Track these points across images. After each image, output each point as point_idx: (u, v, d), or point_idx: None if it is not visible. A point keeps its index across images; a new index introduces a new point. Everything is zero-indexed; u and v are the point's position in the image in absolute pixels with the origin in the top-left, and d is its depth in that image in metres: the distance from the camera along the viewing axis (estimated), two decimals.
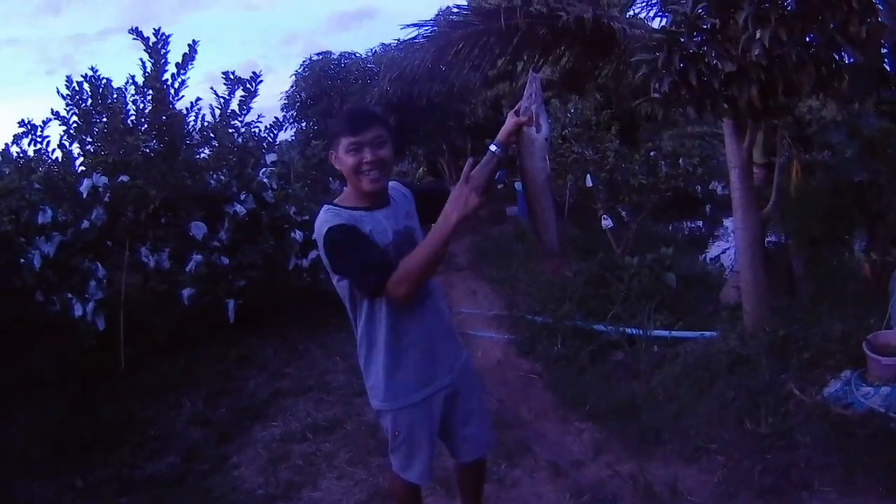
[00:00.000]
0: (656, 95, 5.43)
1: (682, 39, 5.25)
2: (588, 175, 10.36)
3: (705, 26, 5.32)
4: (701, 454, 5.12)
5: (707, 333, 7.01)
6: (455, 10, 9.99)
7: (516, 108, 3.25)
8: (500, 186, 15.15)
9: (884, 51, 6.67)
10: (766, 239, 9.72)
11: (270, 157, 9.82)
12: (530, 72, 3.48)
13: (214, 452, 6.03)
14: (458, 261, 12.43)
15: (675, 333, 7.25)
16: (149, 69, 8.27)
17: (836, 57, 5.26)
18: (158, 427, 6.47)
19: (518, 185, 13.26)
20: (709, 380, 5.96)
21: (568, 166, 10.98)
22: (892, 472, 4.40)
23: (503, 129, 3.24)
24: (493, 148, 3.20)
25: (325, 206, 3.29)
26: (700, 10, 5.26)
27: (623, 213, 10.53)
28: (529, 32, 8.19)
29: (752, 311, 6.78)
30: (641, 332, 7.25)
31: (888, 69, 6.48)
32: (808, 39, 5.19)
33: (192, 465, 5.81)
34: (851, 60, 6.19)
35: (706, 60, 5.21)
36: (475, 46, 8.71)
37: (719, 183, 13.83)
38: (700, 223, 17.88)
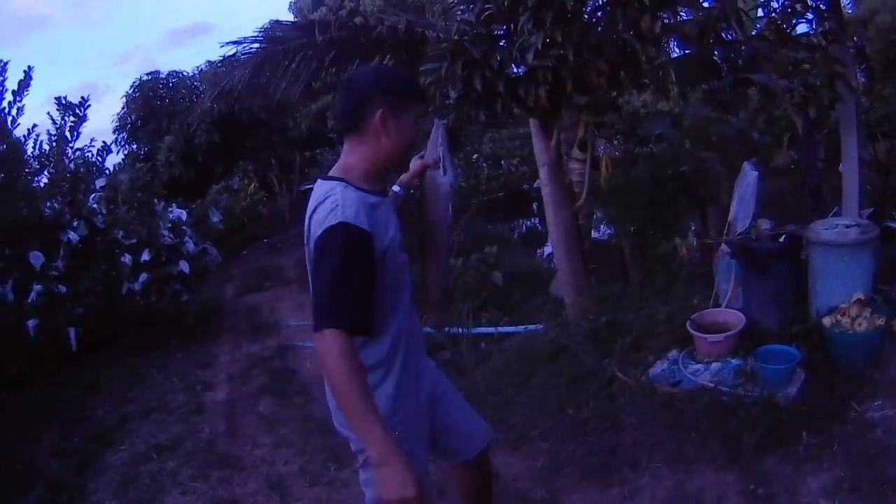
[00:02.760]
0: (449, 102, 5.49)
1: (469, 46, 5.24)
2: None
3: (497, 32, 5.43)
4: (523, 442, 5.14)
5: (531, 327, 7.13)
6: (273, 25, 9.92)
7: (421, 153, 3.09)
8: None
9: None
10: (604, 230, 10.09)
11: (100, 182, 9.60)
12: (435, 119, 3.25)
13: (75, 481, 5.95)
14: (287, 275, 12.32)
15: (500, 329, 7.34)
16: None
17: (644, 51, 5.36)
18: (23, 462, 6.37)
19: None
20: (530, 371, 6.03)
21: None
22: (726, 442, 4.47)
23: (408, 171, 3.06)
24: (395, 188, 3.06)
25: (342, 183, 2.64)
26: (485, 17, 5.33)
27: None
28: (347, 44, 8.22)
29: (573, 302, 6.87)
30: (465, 330, 7.24)
31: (717, 60, 6.67)
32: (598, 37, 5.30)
33: (56, 496, 5.75)
34: (685, 52, 6.40)
35: (491, 65, 5.25)
36: (293, 60, 8.69)
37: None
38: (537, 220, 17.96)
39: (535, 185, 13.45)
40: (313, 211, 2.64)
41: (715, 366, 5.25)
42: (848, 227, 5.54)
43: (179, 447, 6.12)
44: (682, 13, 5.56)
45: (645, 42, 5.13)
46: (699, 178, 7.79)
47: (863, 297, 5.26)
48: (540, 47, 4.95)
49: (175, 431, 6.46)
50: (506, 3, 5.22)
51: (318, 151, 13.68)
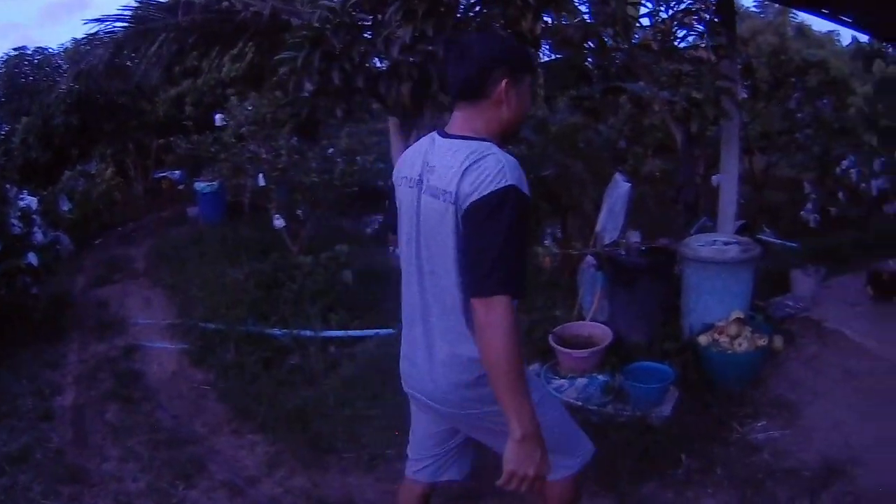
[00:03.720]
0: (305, 94, 5.15)
1: (330, 36, 4.90)
2: (260, 174, 9.91)
3: (363, 22, 5.08)
4: (378, 462, 4.81)
5: (383, 331, 6.79)
6: (142, 4, 9.40)
7: None
8: (180, 187, 14.61)
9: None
10: None
11: None
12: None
13: None
14: (136, 267, 11.57)
15: (350, 333, 6.99)
16: None
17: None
18: None
19: (198, 186, 12.84)
20: (382, 382, 5.60)
21: (242, 166, 10.54)
22: (598, 467, 4.06)
23: None
24: None
25: (493, 144, 2.55)
26: (351, 5, 4.97)
27: (300, 212, 10.18)
28: (209, 28, 7.79)
29: None
30: (314, 333, 6.96)
31: (589, 66, 6.49)
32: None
33: None
34: (556, 57, 6.16)
35: (352, 58, 4.90)
36: (154, 42, 8.27)
37: None
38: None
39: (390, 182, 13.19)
40: (466, 168, 2.45)
41: (580, 381, 5.03)
42: (727, 244, 5.41)
43: (30, 458, 5.55)
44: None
45: (524, 43, 4.86)
46: (562, 184, 7.56)
47: (742, 316, 5.21)
48: (408, 41, 4.63)
49: (25, 440, 5.84)
50: None
51: (171, 139, 13.21)
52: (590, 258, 5.68)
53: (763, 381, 5.26)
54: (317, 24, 4.91)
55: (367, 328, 7.06)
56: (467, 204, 2.42)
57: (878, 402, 5.02)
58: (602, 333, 5.26)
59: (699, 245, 5.33)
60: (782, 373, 5.52)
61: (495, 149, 2.50)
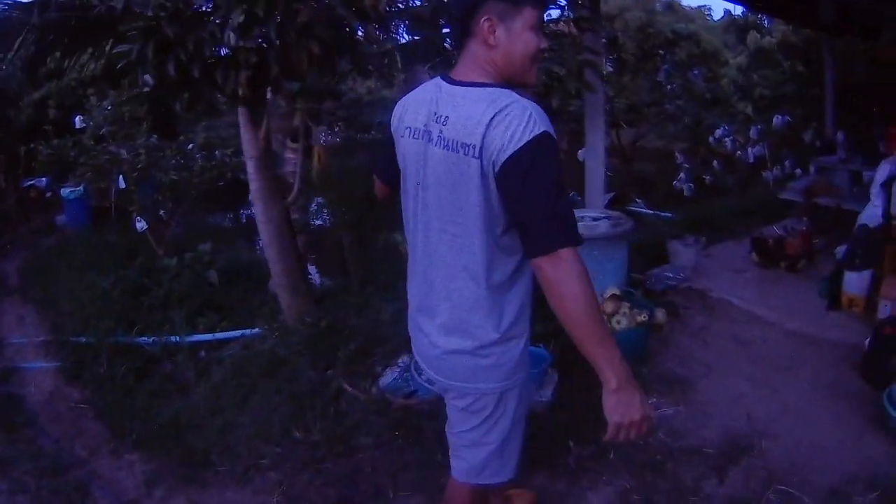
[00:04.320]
0: (146, 89, 4.81)
1: (164, 25, 4.52)
2: (120, 176, 9.59)
3: (203, 8, 4.73)
4: (253, 473, 4.48)
5: (249, 331, 6.55)
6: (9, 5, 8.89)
7: None
8: (48, 195, 14.00)
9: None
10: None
11: None
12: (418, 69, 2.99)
13: None
14: (9, 283, 10.95)
15: (217, 336, 6.72)
16: None
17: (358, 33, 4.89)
18: None
19: (64, 192, 12.41)
20: (251, 387, 5.39)
21: (103, 168, 10.10)
22: None
23: None
24: None
25: (515, 93, 2.32)
26: None
27: (162, 213, 9.83)
28: (67, 26, 7.39)
29: (289, 305, 6.34)
30: (181, 338, 6.66)
31: (447, 46, 6.29)
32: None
33: None
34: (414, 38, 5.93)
35: (187, 47, 4.56)
36: (13, 42, 7.80)
37: None
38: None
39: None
40: (490, 118, 2.22)
41: None
42: (596, 219, 5.26)
43: None
44: None
45: (366, 21, 4.59)
46: None
47: (618, 293, 5.10)
48: (239, 25, 4.32)
49: None
50: None
51: (32, 145, 12.67)
52: None
53: (649, 357, 5.12)
54: (149, 14, 4.56)
55: (235, 329, 6.83)
56: (503, 159, 2.20)
57: (775, 371, 4.97)
58: None
59: None
60: (670, 347, 5.39)
61: (515, 95, 2.29)
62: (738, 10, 15.22)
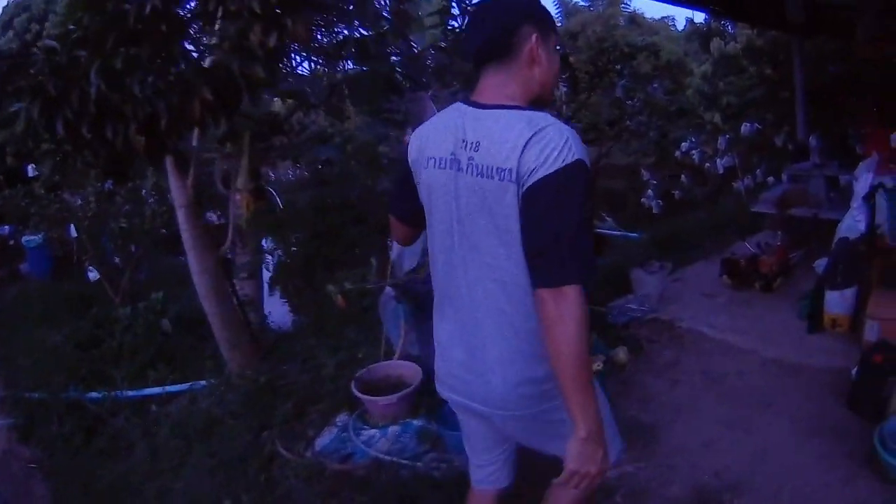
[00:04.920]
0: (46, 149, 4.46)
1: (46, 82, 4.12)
2: (72, 225, 9.31)
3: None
4: None
5: (196, 384, 6.18)
6: None
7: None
8: (11, 243, 13.67)
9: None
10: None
11: None
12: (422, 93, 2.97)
13: None
14: None
15: (167, 389, 6.34)
16: None
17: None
18: None
19: (25, 241, 12.00)
20: (187, 448, 5.00)
21: (54, 217, 9.86)
22: None
23: None
24: None
25: (551, 116, 2.19)
26: (71, 42, 4.21)
27: (118, 260, 9.53)
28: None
29: (231, 358, 6.05)
30: (125, 394, 6.36)
31: (399, 77, 6.01)
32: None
33: None
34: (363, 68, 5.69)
35: (71, 103, 4.14)
36: None
37: None
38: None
39: None
40: (527, 141, 2.09)
41: (393, 430, 4.40)
42: None
43: None
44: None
45: (253, 61, 4.22)
46: (369, 205, 6.99)
47: None
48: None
49: None
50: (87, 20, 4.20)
51: None
52: (388, 290, 5.09)
53: (609, 403, 4.69)
54: (32, 71, 4.18)
55: (183, 382, 6.46)
56: (532, 181, 2.09)
57: (751, 408, 4.53)
58: (412, 373, 4.67)
59: None
60: (633, 389, 4.90)
61: (552, 118, 2.17)
62: (700, 17, 15.02)
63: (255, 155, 6.56)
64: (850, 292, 5.28)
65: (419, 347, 4.87)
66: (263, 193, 7.24)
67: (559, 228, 2.06)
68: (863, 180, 5.49)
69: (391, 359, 5.02)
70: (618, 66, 10.80)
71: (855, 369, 4.42)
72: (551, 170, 2.05)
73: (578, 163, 2.07)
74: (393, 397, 4.43)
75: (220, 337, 6.11)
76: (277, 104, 8.30)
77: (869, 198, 5.39)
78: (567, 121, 7.91)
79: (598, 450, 2.13)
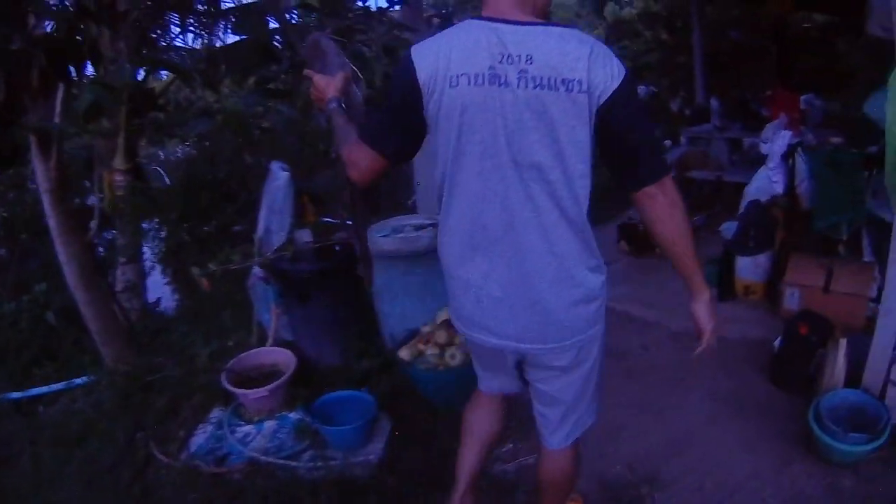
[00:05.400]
0: None
1: None
2: None
3: None
4: None
5: (76, 381, 5.77)
6: None
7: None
8: None
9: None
10: None
11: None
12: (315, 35, 2.96)
13: None
14: None
15: (53, 387, 5.87)
16: None
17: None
18: None
19: None
20: (66, 456, 4.51)
21: None
22: None
23: (334, 83, 2.62)
24: (333, 105, 2.58)
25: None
26: None
27: (2, 252, 9.11)
28: None
29: (106, 353, 5.75)
30: (17, 394, 5.84)
31: (278, 45, 5.72)
32: None
33: None
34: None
35: None
36: None
37: None
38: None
39: None
40: (590, 54, 2.12)
41: (269, 425, 4.10)
42: (419, 228, 4.56)
43: None
44: None
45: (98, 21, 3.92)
46: (239, 181, 6.71)
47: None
48: None
49: None
50: None
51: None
52: (256, 270, 4.77)
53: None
54: None
55: (68, 378, 5.98)
56: (608, 94, 2.14)
57: (660, 387, 4.36)
58: (286, 360, 4.35)
59: (381, 236, 4.39)
60: None
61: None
62: None
63: (130, 132, 6.17)
64: (763, 258, 5.22)
65: (292, 331, 4.60)
66: (142, 172, 6.82)
67: (645, 130, 2.27)
68: (779, 140, 5.32)
69: (265, 345, 4.70)
70: None
71: (777, 341, 4.28)
72: (619, 81, 2.13)
73: (630, 72, 2.19)
74: (263, 390, 4.12)
75: (93, 329, 5.79)
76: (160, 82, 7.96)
77: (787, 157, 5.27)
78: None
79: (715, 305, 2.47)
